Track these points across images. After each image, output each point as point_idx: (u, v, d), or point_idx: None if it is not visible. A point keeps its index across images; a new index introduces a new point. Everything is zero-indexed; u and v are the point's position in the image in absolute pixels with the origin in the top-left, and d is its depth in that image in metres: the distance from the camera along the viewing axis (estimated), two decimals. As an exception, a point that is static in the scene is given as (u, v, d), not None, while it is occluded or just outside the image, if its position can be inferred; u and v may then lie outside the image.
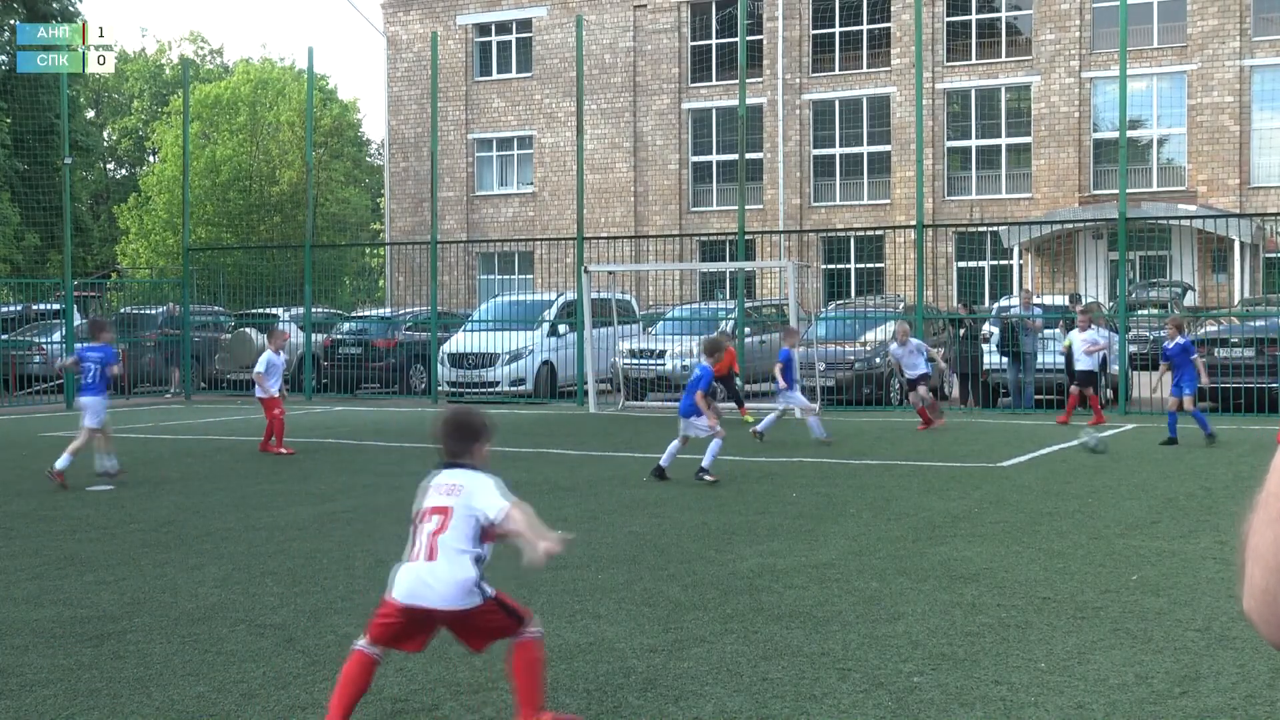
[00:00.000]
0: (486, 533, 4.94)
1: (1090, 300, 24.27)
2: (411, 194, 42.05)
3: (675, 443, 12.90)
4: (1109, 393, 22.28)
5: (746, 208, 28.05)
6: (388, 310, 31.22)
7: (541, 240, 34.08)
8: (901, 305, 25.04)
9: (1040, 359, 21.98)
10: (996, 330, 22.02)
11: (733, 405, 19.80)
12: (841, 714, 5.25)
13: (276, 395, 15.55)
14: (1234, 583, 5.71)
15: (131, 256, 50.72)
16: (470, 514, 4.88)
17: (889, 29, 36.76)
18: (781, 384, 16.86)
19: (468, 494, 4.91)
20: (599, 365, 23.94)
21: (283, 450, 15.25)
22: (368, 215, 58.52)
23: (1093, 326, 18.97)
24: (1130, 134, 31.62)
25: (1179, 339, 15.72)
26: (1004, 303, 25.53)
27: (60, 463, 12.39)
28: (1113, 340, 20.61)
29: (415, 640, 4.98)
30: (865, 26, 37.20)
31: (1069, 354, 19.12)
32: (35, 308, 28.79)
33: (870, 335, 23.52)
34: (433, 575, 4.79)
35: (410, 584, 4.81)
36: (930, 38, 35.01)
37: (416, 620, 4.87)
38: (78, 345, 13.94)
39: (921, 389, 18.23)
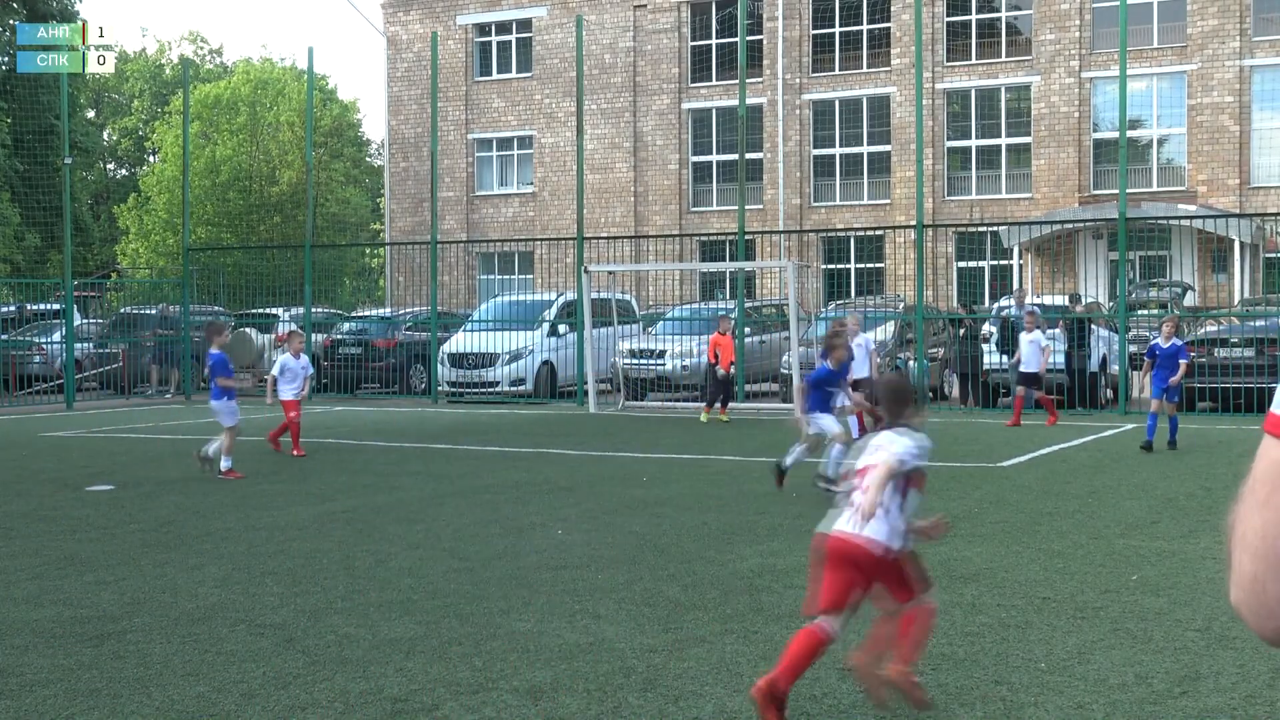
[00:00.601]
0: (912, 480, 5.46)
1: (1035, 303, 23.49)
2: (411, 194, 42.05)
3: (801, 446, 11.74)
4: (1109, 393, 22.29)
5: (746, 208, 28.04)
6: (388, 310, 31.23)
7: (541, 240, 34.07)
8: (901, 305, 25.04)
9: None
10: (996, 330, 22.02)
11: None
12: (841, 714, 5.25)
13: (294, 399, 15.20)
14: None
15: (131, 256, 50.71)
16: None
17: (889, 29, 36.75)
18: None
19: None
20: (599, 365, 23.94)
21: (296, 451, 15.07)
22: (368, 215, 58.50)
23: (1038, 329, 18.93)
24: (1130, 134, 31.62)
25: (1175, 340, 15.21)
26: (1004, 303, 25.54)
27: (225, 464, 12.97)
28: (1056, 340, 20.24)
29: (853, 588, 5.24)
30: (865, 26, 37.18)
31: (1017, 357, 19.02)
32: (30, 308, 28.71)
33: (870, 335, 23.51)
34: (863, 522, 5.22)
35: (844, 524, 5.25)
36: (930, 38, 35.01)
37: (847, 560, 5.19)
38: (211, 352, 13.49)
39: (858, 396, 13.47)
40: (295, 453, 15.04)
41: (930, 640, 5.66)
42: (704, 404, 20.76)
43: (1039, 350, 18.75)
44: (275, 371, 15.32)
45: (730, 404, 20.79)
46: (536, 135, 40.59)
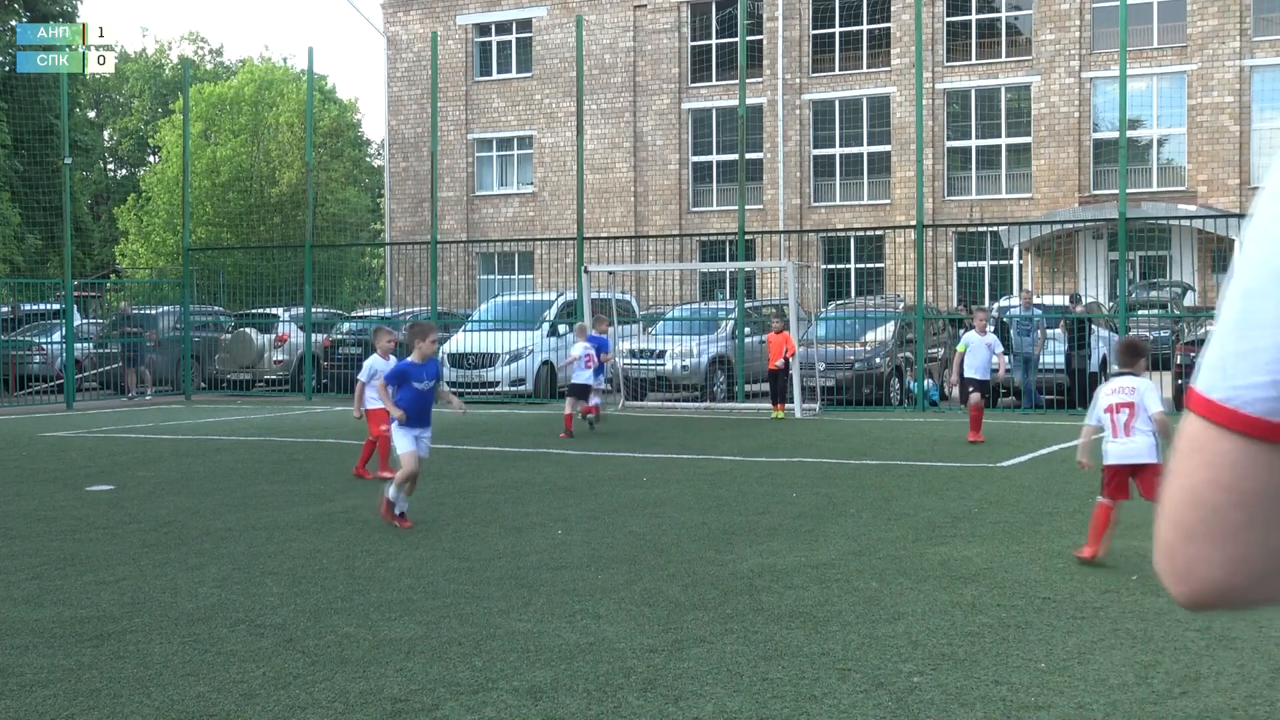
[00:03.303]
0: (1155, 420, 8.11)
1: (983, 304, 22.91)
2: (411, 194, 42.04)
3: None
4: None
5: (746, 208, 28.03)
6: (388, 310, 31.22)
7: (541, 240, 34.07)
8: (901, 305, 25.05)
9: (1041, 359, 22.01)
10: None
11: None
12: (841, 714, 5.25)
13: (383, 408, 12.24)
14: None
15: (131, 257, 50.71)
16: (1142, 406, 8.13)
17: (889, 29, 36.74)
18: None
19: (1140, 394, 8.18)
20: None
21: (384, 471, 12.58)
22: (368, 215, 58.48)
23: (989, 330, 17.17)
24: (1130, 134, 31.61)
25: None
26: (1004, 303, 25.54)
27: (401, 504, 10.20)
28: (995, 346, 17.46)
29: (1126, 489, 8.24)
30: (865, 26, 37.17)
31: (962, 360, 16.61)
32: (25, 308, 28.55)
33: (870, 335, 23.52)
34: (1131, 444, 8.14)
35: (1118, 451, 8.17)
36: (930, 38, 35.00)
37: (1123, 474, 8.21)
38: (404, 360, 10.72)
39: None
40: (383, 473, 12.53)
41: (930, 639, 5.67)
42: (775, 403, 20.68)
43: (990, 355, 16.67)
44: (364, 376, 12.84)
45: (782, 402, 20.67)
46: (536, 135, 40.58)
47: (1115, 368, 8.59)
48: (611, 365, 19.94)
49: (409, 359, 10.22)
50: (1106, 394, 8.29)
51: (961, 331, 20.58)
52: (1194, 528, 1.15)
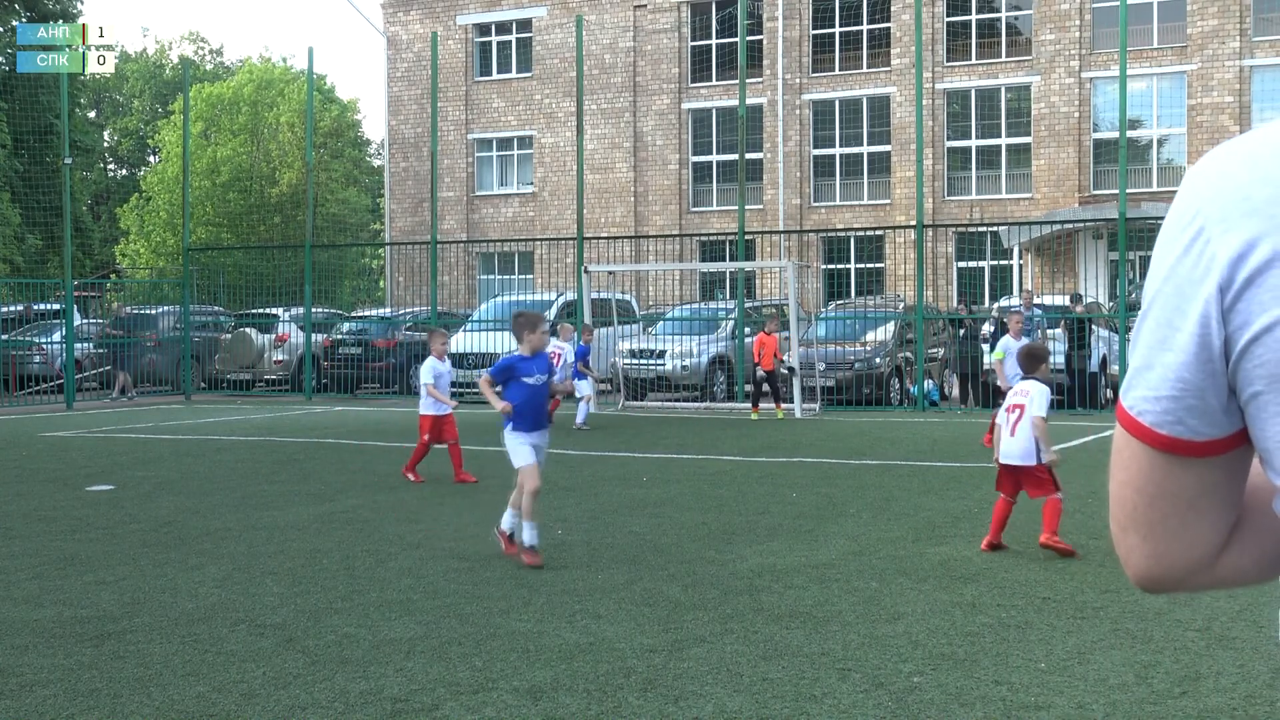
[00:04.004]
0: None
1: (1015, 305, 22.63)
2: (411, 194, 42.03)
3: None
4: (1109, 393, 22.29)
5: (746, 208, 28.03)
6: (388, 310, 31.23)
7: (541, 240, 34.06)
8: (901, 305, 25.06)
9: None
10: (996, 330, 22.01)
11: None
12: (841, 714, 5.25)
13: (449, 412, 12.81)
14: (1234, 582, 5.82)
15: (132, 257, 50.71)
16: (1030, 411, 8.65)
17: (889, 29, 36.73)
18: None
19: (1030, 399, 8.71)
20: (599, 365, 23.94)
21: (459, 477, 12.56)
22: (368, 215, 58.48)
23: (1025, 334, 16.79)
24: (1130, 134, 31.61)
25: None
26: (1004, 303, 25.53)
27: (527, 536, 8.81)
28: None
29: (1010, 487, 8.85)
30: (865, 26, 37.16)
31: (1001, 366, 15.70)
32: (13, 309, 28.39)
33: (870, 336, 23.52)
34: (1014, 445, 8.69)
35: (1005, 451, 8.73)
36: (930, 38, 35.00)
37: (1007, 472, 8.77)
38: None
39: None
40: (459, 479, 12.51)
41: (930, 639, 5.67)
42: (768, 404, 20.66)
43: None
44: (429, 379, 12.81)
45: (783, 403, 20.65)
46: (536, 135, 40.57)
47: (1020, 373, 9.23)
48: (590, 372, 20.23)
49: (517, 352, 8.92)
50: (1009, 395, 9.07)
51: (989, 333, 20.47)
52: (1123, 523, 1.28)
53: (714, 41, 38.78)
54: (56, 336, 26.37)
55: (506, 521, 8.64)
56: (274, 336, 27.99)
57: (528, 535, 8.38)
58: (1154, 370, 1.19)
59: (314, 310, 27.46)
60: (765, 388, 20.49)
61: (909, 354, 23.25)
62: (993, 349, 19.72)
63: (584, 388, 19.12)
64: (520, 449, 8.54)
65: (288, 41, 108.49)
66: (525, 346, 8.80)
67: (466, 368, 25.07)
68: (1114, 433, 1.26)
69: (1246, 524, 1.28)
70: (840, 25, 37.34)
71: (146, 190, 51.15)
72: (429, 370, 12.80)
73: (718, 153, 38.65)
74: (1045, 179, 35.34)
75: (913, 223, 25.68)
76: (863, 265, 35.92)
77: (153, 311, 28.55)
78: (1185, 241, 1.16)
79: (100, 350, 27.12)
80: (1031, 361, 9.29)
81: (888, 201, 36.61)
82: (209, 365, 28.66)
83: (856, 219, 36.34)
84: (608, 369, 24.51)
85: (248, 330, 28.16)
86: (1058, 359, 21.99)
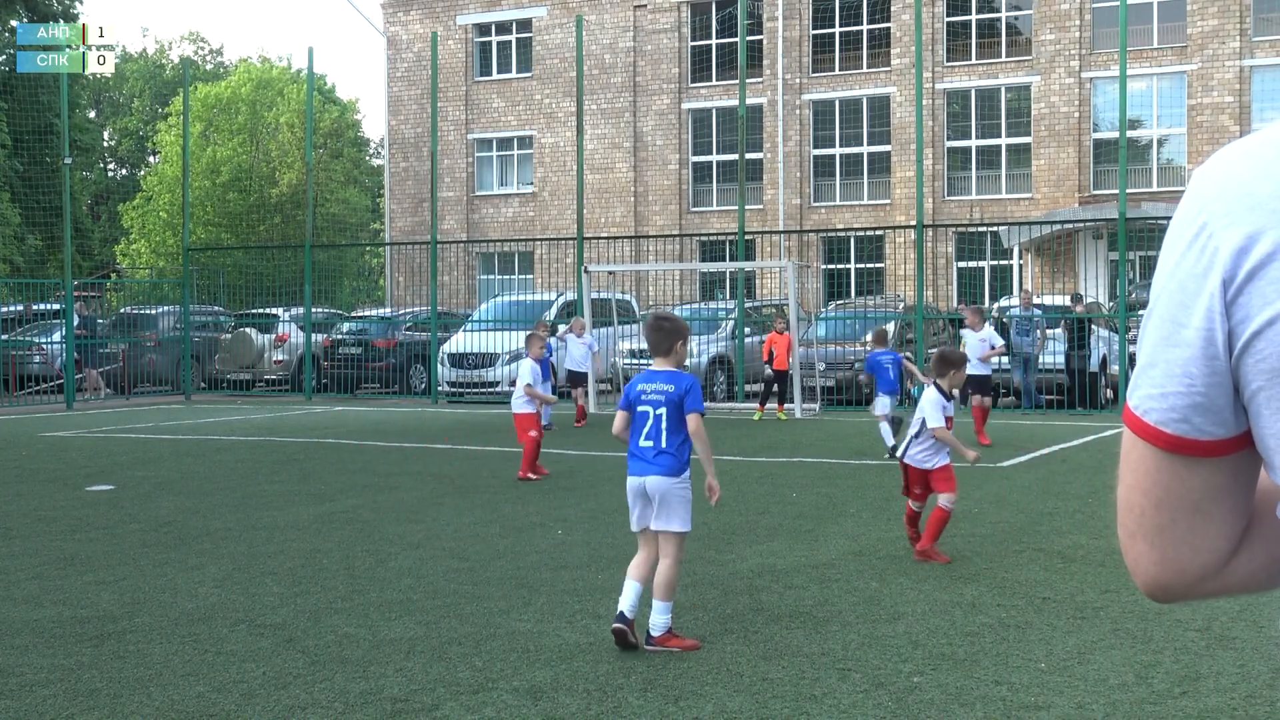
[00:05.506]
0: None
1: (979, 303, 22.60)
2: (411, 194, 42.03)
3: None
4: (1109, 393, 22.29)
5: (746, 208, 28.03)
6: (388, 310, 31.23)
7: (541, 240, 34.06)
8: (901, 305, 25.05)
9: (1041, 359, 22.01)
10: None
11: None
12: (841, 714, 5.25)
13: (535, 411, 13.18)
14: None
15: (132, 257, 50.72)
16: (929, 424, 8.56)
17: (889, 29, 36.73)
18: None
19: (922, 410, 8.58)
20: (602, 365, 23.94)
21: (532, 475, 12.95)
22: (368, 215, 58.47)
23: (986, 325, 17.03)
24: (1130, 134, 31.61)
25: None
26: (1004, 303, 25.53)
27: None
28: (991, 339, 17.13)
29: (910, 488, 8.80)
30: (865, 26, 37.17)
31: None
32: (10, 309, 28.28)
33: (870, 336, 23.51)
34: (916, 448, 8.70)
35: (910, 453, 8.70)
36: (930, 38, 35.00)
37: (910, 472, 8.72)
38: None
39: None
40: (527, 475, 12.92)
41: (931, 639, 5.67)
42: (763, 404, 20.61)
43: (984, 350, 16.52)
44: (530, 380, 13.12)
45: (786, 404, 20.61)
46: (536, 135, 40.57)
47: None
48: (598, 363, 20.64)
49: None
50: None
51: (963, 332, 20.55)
52: (1130, 528, 1.26)
53: (714, 41, 38.78)
54: (56, 336, 26.36)
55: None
56: (274, 336, 28.00)
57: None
58: (1159, 367, 1.18)
59: (314, 310, 27.46)
60: (775, 388, 20.49)
61: (909, 354, 23.25)
62: (1009, 351, 19.84)
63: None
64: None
65: (287, 41, 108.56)
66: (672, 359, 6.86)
67: (466, 368, 25.12)
68: (1122, 437, 1.25)
69: (1256, 530, 1.26)
70: (840, 25, 37.34)
71: (147, 190, 51.15)
72: (533, 371, 13.15)
73: (718, 153, 38.65)
74: (1045, 179, 35.34)
75: (913, 223, 25.68)
76: (863, 265, 35.92)
77: (153, 311, 28.54)
78: (1189, 238, 1.16)
79: (101, 350, 27.07)
80: (941, 365, 8.72)
81: (888, 201, 36.61)
82: (209, 365, 28.66)
83: (856, 219, 36.34)
84: (608, 369, 24.51)
85: (248, 330, 28.16)
86: (1058, 359, 22.01)
